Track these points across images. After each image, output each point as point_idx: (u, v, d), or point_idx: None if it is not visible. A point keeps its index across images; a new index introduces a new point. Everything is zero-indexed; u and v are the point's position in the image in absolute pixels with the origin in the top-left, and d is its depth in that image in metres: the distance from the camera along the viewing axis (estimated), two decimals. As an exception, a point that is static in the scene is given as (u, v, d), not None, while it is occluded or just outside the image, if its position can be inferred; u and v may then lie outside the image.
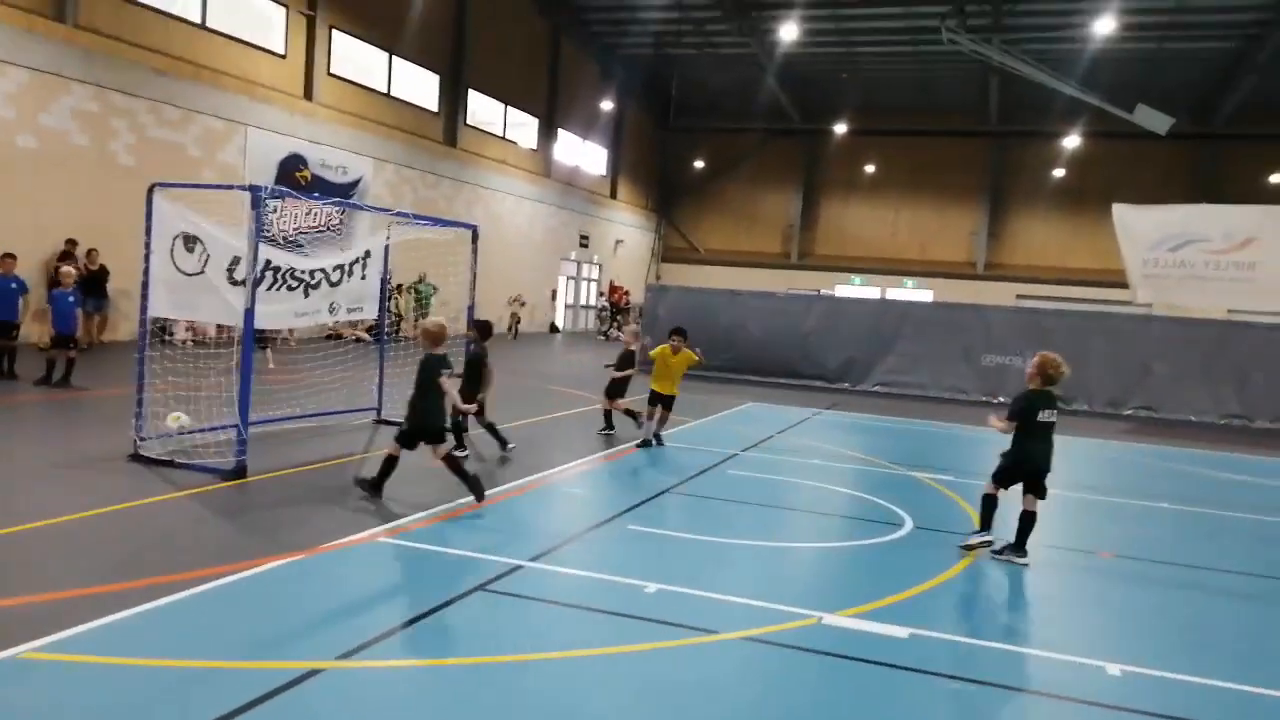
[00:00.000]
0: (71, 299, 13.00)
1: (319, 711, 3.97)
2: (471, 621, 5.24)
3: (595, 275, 40.87)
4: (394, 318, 22.61)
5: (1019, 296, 38.00)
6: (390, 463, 7.74)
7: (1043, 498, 7.28)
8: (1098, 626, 6.10)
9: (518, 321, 32.16)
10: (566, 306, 38.51)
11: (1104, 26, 29.23)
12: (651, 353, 11.93)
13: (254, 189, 8.32)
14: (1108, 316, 20.10)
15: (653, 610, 5.51)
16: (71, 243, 17.25)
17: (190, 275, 8.79)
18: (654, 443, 11.32)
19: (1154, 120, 27.70)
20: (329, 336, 17.40)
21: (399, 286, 24.00)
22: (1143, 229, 20.27)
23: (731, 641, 5.14)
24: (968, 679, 4.87)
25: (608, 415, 12.17)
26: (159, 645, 4.51)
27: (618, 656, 4.85)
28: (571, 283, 38.97)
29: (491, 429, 10.22)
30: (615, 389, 12.07)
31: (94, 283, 17.23)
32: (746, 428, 13.82)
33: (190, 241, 8.75)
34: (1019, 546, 7.21)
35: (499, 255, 29.96)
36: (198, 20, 20.74)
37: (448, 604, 5.41)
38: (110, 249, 17.46)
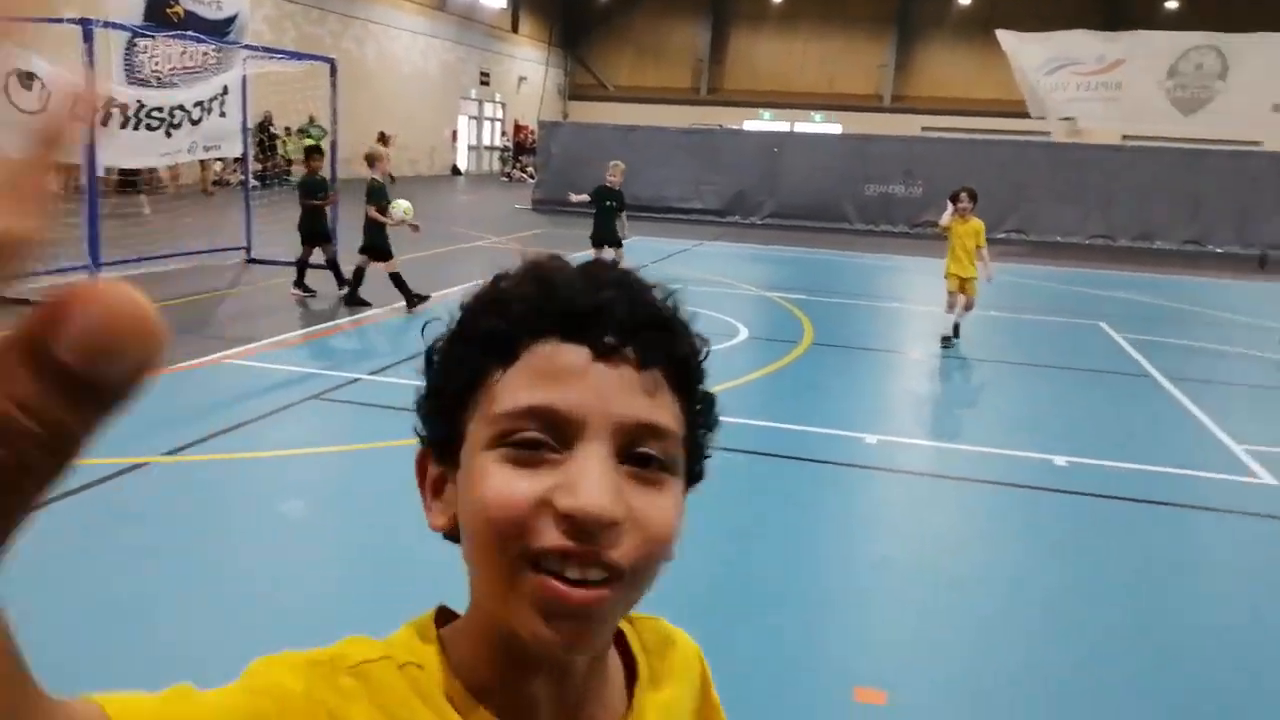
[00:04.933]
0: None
1: (135, 496, 4.45)
2: (299, 421, 5.73)
3: (499, 115, 40.05)
4: (283, 161, 22.20)
5: (924, 129, 38.47)
6: (358, 273, 8.98)
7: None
8: (857, 408, 6.86)
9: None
10: (470, 148, 37.86)
11: None
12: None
13: (85, 23, 8.19)
14: (986, 144, 20.72)
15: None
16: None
17: (36, 114, 8.70)
18: None
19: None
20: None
21: (286, 129, 23.42)
22: (1029, 54, 20.65)
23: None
24: (749, 451, 5.56)
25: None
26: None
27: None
28: (473, 123, 38.17)
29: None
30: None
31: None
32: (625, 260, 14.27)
33: (27, 78, 8.62)
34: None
35: (394, 95, 29.18)
36: None
37: (281, 409, 5.88)
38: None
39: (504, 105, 40.15)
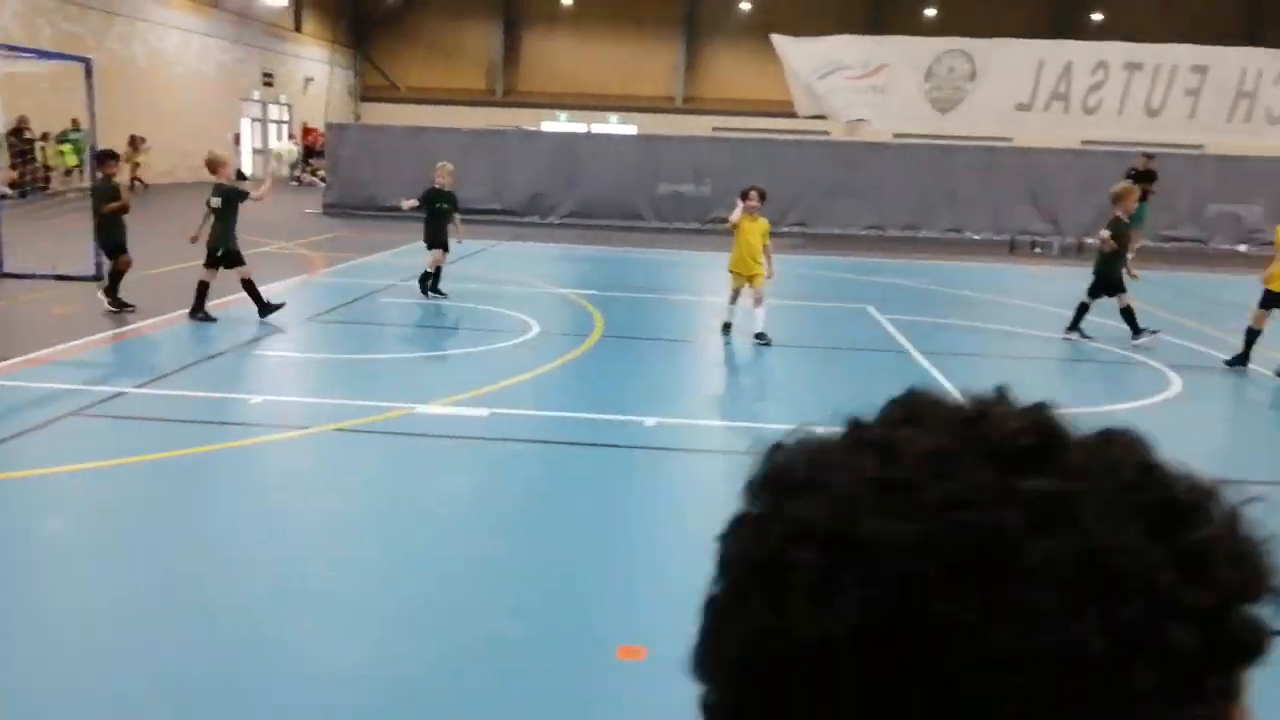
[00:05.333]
0: None
1: None
2: (57, 440, 5.43)
3: (285, 117, 38.49)
4: (42, 169, 20.55)
5: (715, 129, 39.91)
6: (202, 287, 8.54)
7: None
8: (637, 390, 7.20)
9: (135, 167, 24.65)
10: (255, 151, 36.19)
11: None
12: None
13: None
14: (768, 143, 21.81)
15: (255, 417, 5.92)
16: None
17: None
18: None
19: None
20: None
21: (44, 135, 21.68)
22: (800, 59, 21.84)
23: (321, 433, 5.67)
24: (534, 440, 5.72)
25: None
26: None
27: (211, 453, 5.26)
28: (258, 125, 36.51)
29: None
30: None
31: None
32: (416, 260, 14.12)
33: None
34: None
35: (168, 97, 27.51)
36: None
37: (36, 428, 5.55)
38: None
39: (290, 107, 38.62)
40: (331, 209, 20.40)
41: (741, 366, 8.51)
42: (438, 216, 10.64)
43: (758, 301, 8.76)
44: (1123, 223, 9.55)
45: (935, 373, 7.86)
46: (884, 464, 0.41)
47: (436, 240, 10.67)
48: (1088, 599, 0.36)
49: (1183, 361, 8.72)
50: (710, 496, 5.14)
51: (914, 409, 0.46)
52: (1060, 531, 0.37)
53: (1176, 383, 7.98)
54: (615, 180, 21.13)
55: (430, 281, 10.59)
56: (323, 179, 25.65)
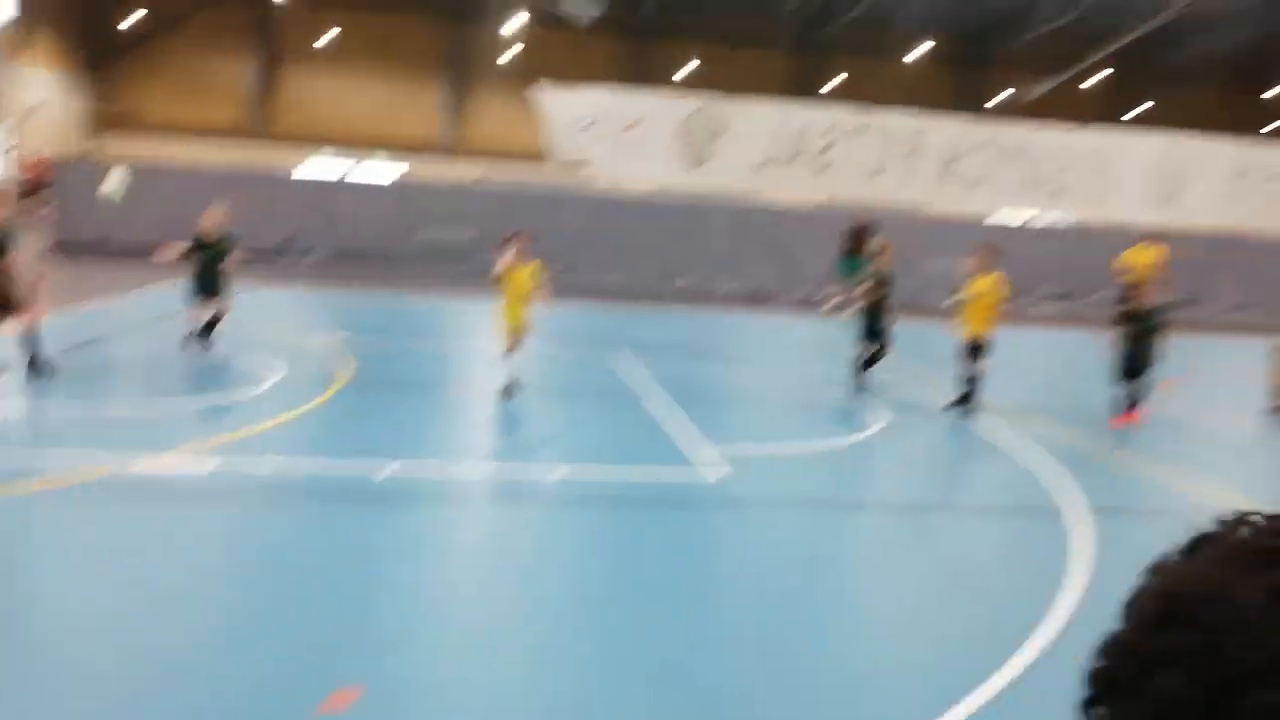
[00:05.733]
0: None
1: None
2: None
3: (8, 146, 35.14)
4: None
5: (484, 174, 40.09)
6: None
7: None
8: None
9: None
10: (-28, 182, 32.74)
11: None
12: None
13: None
14: (531, 191, 22.29)
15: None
16: None
17: None
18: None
19: (579, 7, 30.30)
20: None
21: None
22: (562, 109, 22.51)
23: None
24: (261, 488, 5.62)
25: None
26: None
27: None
28: (-25, 154, 33.12)
29: None
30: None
31: None
32: (167, 305, 13.39)
33: None
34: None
35: None
36: None
37: None
38: None
39: (15, 136, 35.34)
40: (62, 246, 18.88)
41: (492, 413, 8.68)
42: (207, 262, 9.94)
43: (515, 351, 8.75)
44: (883, 274, 10.39)
45: (681, 413, 8.37)
46: None
47: (206, 288, 9.96)
48: None
49: (888, 399, 9.77)
50: (435, 543, 5.29)
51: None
52: None
53: (884, 418, 8.95)
54: (376, 225, 20.87)
55: (202, 331, 9.93)
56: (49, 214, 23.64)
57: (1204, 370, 13.63)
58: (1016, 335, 11.02)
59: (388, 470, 6.14)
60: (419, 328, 13.44)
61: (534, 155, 41.85)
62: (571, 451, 7.17)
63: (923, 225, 23.21)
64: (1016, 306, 22.09)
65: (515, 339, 8.75)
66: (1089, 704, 0.59)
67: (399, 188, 23.00)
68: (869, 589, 5.15)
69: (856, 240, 18.45)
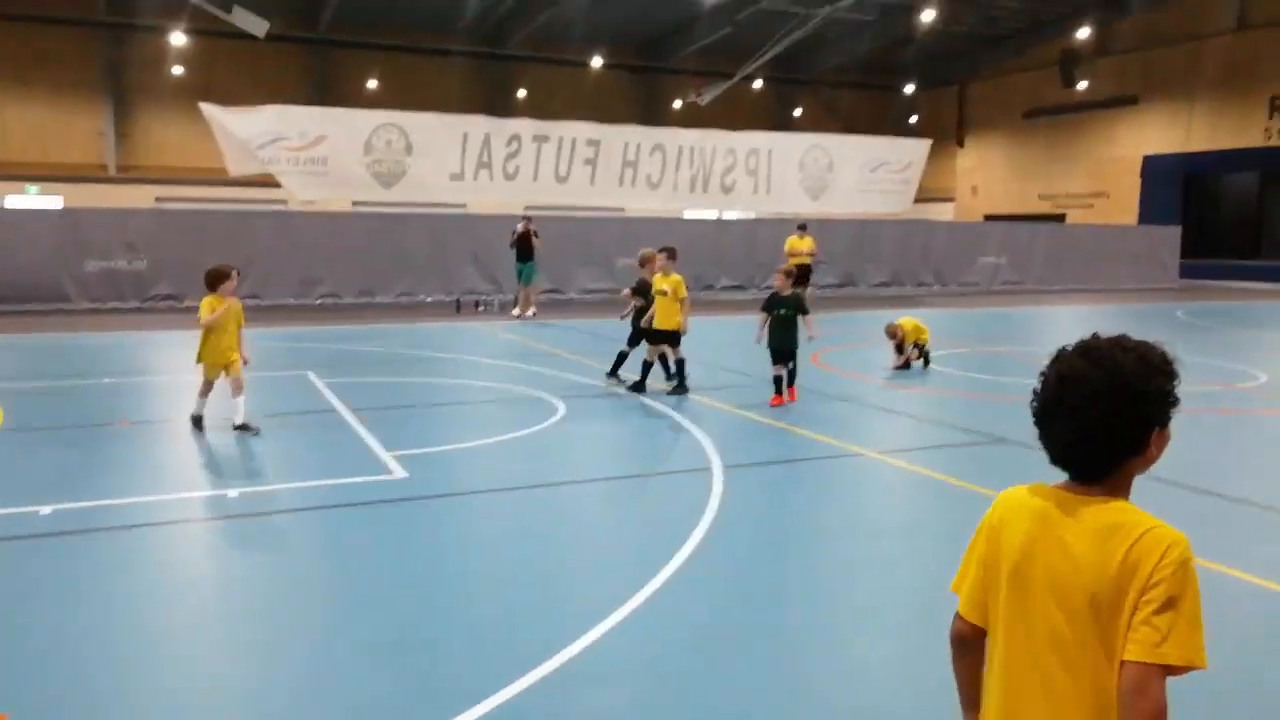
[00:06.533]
0: None
1: None
2: None
3: None
4: None
5: (159, 199, 37.31)
6: None
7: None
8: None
9: None
10: None
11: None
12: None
13: None
14: (211, 214, 21.25)
15: None
16: None
17: None
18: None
19: (250, 22, 29.05)
20: None
21: None
22: (236, 128, 21.56)
23: None
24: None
25: None
26: None
27: None
28: None
29: None
30: None
31: None
32: None
33: None
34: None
35: None
36: None
37: None
38: None
39: None
40: None
41: (176, 446, 8.43)
42: None
43: (237, 390, 8.40)
44: (645, 282, 10.87)
45: (361, 430, 8.54)
46: (1088, 358, 1.76)
47: None
48: (1162, 375, 1.75)
49: (570, 392, 10.50)
50: (137, 582, 5.25)
51: (1111, 341, 1.78)
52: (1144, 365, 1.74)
53: (562, 408, 9.63)
54: (33, 258, 19.05)
55: None
56: None
57: (852, 340, 15.56)
58: (705, 323, 12.18)
59: (47, 510, 5.93)
60: (88, 365, 12.53)
61: (219, 175, 39.70)
62: (252, 472, 7.21)
63: (613, 225, 24.54)
64: (706, 296, 23.92)
65: (227, 379, 8.45)
66: (1052, 405, 1.75)
67: (60, 215, 21.07)
68: (546, 546, 5.68)
69: (524, 244, 19.38)
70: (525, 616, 4.63)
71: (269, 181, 22.82)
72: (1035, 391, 1.75)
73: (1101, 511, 1.71)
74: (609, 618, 4.51)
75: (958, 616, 1.93)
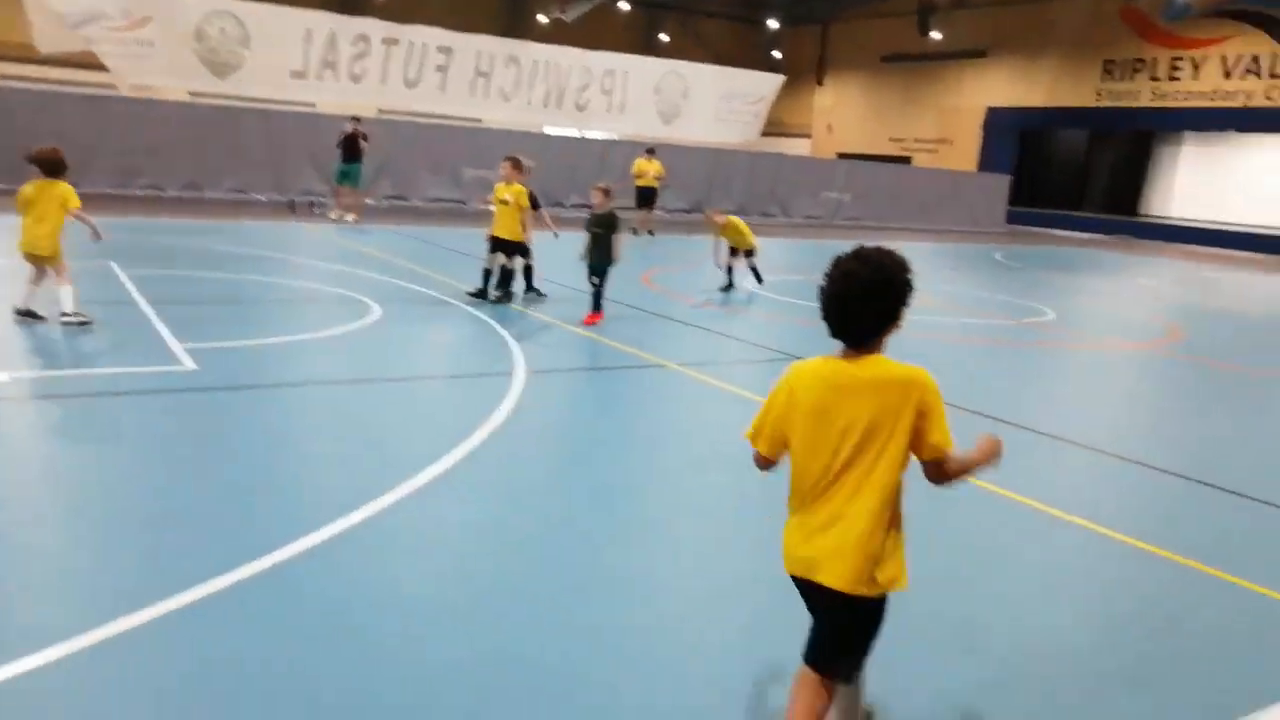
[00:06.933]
0: None
1: None
2: None
3: None
4: None
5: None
6: None
7: None
8: None
9: None
10: None
11: None
12: None
13: None
14: (10, 93, 19.60)
15: None
16: None
17: None
18: None
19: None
20: None
21: None
22: (53, 5, 19.81)
23: None
24: None
25: None
26: None
27: None
28: None
29: None
30: None
31: None
32: None
33: None
34: None
35: None
36: None
37: None
38: None
39: None
40: None
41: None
42: None
43: (61, 280, 8.05)
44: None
45: (156, 322, 8.23)
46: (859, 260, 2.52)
47: None
48: (906, 270, 2.53)
49: (392, 297, 10.37)
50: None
51: (862, 251, 2.55)
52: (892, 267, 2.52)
53: (378, 310, 9.52)
54: None
55: None
56: None
57: (689, 263, 15.87)
58: (549, 238, 12.19)
59: None
60: None
61: (24, 52, 36.53)
62: (19, 357, 6.88)
63: (462, 134, 23.96)
64: (555, 212, 23.81)
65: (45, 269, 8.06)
66: (837, 294, 2.49)
67: None
68: (314, 441, 5.67)
69: (350, 146, 18.55)
70: (265, 505, 4.66)
71: (87, 62, 21.18)
72: (821, 287, 2.45)
73: (872, 365, 2.51)
74: (361, 509, 4.58)
75: (759, 455, 2.74)
